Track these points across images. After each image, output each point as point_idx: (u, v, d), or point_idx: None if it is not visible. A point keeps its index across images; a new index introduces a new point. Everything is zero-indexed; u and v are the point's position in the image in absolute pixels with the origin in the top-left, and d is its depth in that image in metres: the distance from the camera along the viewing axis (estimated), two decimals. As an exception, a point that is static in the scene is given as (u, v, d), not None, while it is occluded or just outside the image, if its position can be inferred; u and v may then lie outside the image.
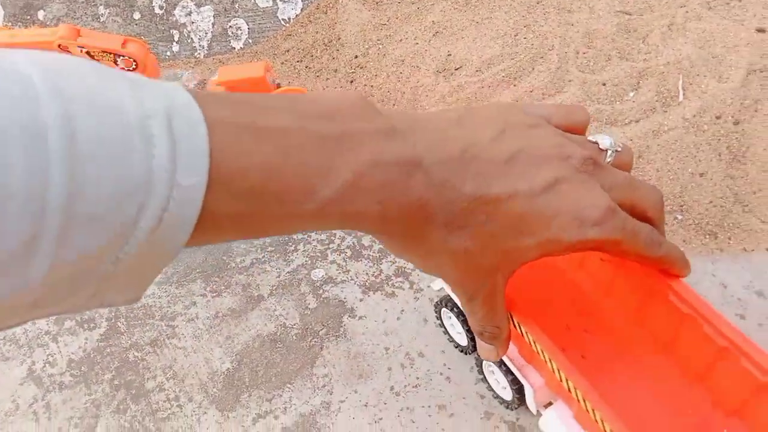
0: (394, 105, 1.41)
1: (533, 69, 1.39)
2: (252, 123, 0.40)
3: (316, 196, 0.44)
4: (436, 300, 1.12)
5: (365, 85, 1.52)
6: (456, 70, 1.42)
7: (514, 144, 0.56)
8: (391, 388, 1.08)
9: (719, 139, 1.29)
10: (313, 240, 1.31)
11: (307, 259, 1.28)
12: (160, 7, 1.75)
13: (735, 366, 0.78)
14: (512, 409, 1.03)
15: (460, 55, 1.44)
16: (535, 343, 0.81)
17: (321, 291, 1.23)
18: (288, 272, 1.26)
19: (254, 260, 1.29)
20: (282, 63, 1.69)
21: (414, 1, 1.65)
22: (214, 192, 0.38)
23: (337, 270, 1.26)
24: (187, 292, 1.24)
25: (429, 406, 1.05)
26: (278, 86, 1.36)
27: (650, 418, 0.84)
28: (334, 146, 0.44)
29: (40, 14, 1.77)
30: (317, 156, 0.43)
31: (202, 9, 1.75)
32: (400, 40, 1.54)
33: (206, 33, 1.78)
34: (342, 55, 1.62)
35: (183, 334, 1.18)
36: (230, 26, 1.75)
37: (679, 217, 1.25)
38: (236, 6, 1.75)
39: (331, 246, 1.30)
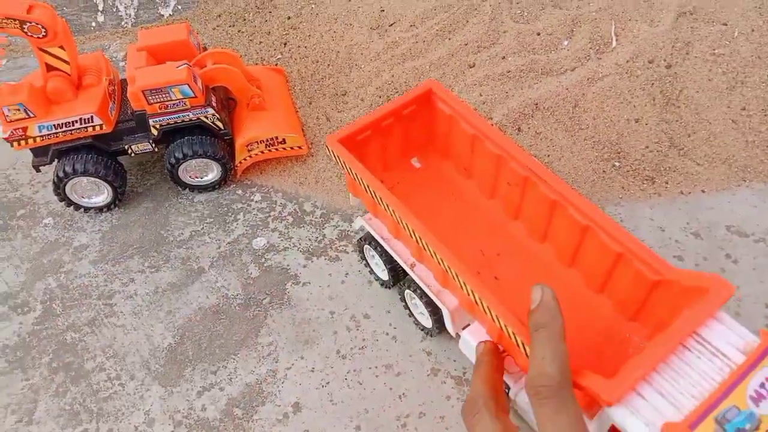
0: (329, 66, 1.38)
1: (467, 21, 1.37)
2: None
3: None
4: (357, 237, 1.13)
5: (299, 46, 1.48)
6: (390, 26, 1.39)
7: None
8: (338, 352, 1.07)
9: (653, 84, 1.30)
10: (254, 209, 1.28)
11: (248, 228, 1.26)
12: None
13: (630, 270, 0.84)
14: (433, 336, 1.08)
15: (393, 10, 1.41)
16: (448, 267, 0.84)
17: (263, 260, 1.21)
18: (228, 243, 1.24)
19: (193, 233, 1.26)
20: (214, 29, 1.63)
21: (346, -43, 1.60)
22: None
23: (279, 237, 1.24)
24: (125, 269, 1.21)
25: (376, 367, 1.05)
26: (205, 48, 1.31)
27: None
28: None
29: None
30: None
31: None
32: (333, -1, 1.50)
33: (132, 0, 1.70)
34: (274, 17, 1.57)
35: (122, 312, 1.15)
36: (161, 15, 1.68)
37: (617, 164, 1.26)
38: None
39: (272, 214, 1.28)
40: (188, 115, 1.19)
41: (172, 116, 1.19)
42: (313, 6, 1.52)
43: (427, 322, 1.05)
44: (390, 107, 1.03)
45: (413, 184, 1.10)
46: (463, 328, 0.91)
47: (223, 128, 1.24)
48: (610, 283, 0.91)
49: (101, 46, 1.67)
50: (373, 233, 1.05)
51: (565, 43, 1.34)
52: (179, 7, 1.70)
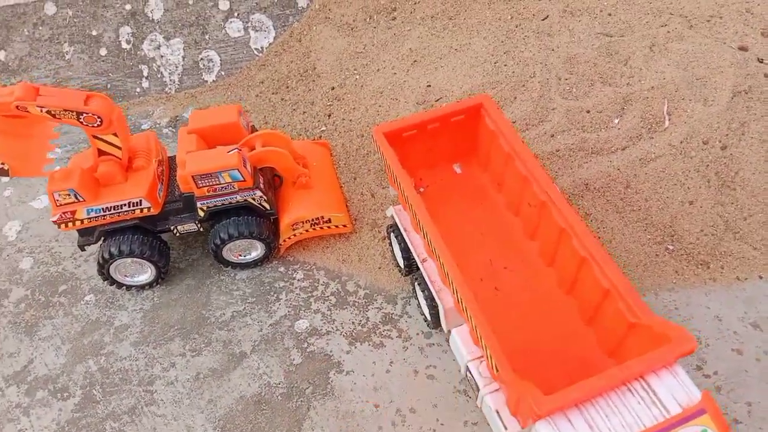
0: (374, 140, 1.36)
1: (515, 98, 1.35)
2: None
3: None
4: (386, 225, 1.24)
5: (343, 119, 1.47)
6: (436, 101, 1.38)
7: None
8: (384, 449, 1.03)
9: (707, 165, 1.25)
10: (296, 287, 1.26)
11: (290, 309, 1.23)
12: (128, 42, 1.68)
13: (614, 307, 0.89)
14: (431, 328, 1.15)
15: (439, 85, 1.40)
16: (442, 264, 0.91)
17: (305, 344, 1.18)
18: (270, 325, 1.21)
19: (235, 313, 1.24)
20: (256, 96, 1.63)
21: (390, 26, 1.60)
22: None
23: (321, 320, 1.21)
24: (166, 353, 1.19)
25: (423, 468, 1.01)
26: (253, 129, 1.31)
27: (544, 346, 0.97)
28: None
29: (1, 54, 1.70)
30: None
31: (171, 42, 1.69)
32: (378, 70, 1.49)
33: (177, 67, 1.71)
34: (318, 86, 1.57)
35: (162, 400, 1.12)
36: (201, 58, 1.69)
37: (670, 247, 1.21)
38: (207, 37, 1.69)
39: (314, 294, 1.25)
40: (236, 198, 1.19)
41: (220, 198, 1.18)
42: (357, 77, 1.51)
43: (428, 315, 1.13)
44: (439, 112, 1.12)
45: (450, 187, 1.19)
46: (455, 328, 0.99)
47: (269, 209, 1.23)
48: (597, 317, 0.96)
49: (145, 111, 1.68)
50: (398, 223, 1.14)
51: (616, 121, 1.31)
52: (222, 73, 1.71)
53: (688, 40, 1.40)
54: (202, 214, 1.20)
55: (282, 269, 1.30)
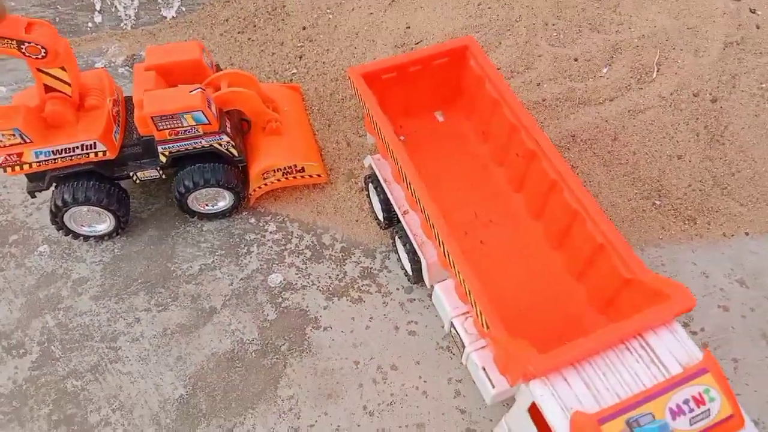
0: (350, 85, 1.28)
1: (500, 43, 1.28)
2: None
3: None
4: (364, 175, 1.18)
5: (316, 61, 1.38)
6: (416, 44, 1.30)
7: None
8: (364, 408, 0.99)
9: (697, 119, 1.22)
10: (268, 240, 1.19)
11: (262, 262, 1.16)
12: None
13: (607, 263, 0.87)
14: (412, 283, 1.11)
15: (419, 27, 1.31)
16: (428, 217, 0.88)
17: (280, 299, 1.12)
18: (242, 279, 1.15)
19: (203, 266, 1.16)
20: (221, 34, 1.51)
21: (366, -37, 1.49)
22: None
23: (296, 274, 1.15)
24: (129, 307, 1.11)
25: (406, 426, 0.98)
26: (218, 68, 1.21)
27: (530, 302, 0.94)
28: None
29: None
30: None
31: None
32: (353, 9, 1.40)
33: (132, 0, 1.57)
34: (288, 26, 1.47)
35: (128, 357, 1.05)
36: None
37: (657, 202, 1.19)
38: None
39: (288, 247, 1.18)
40: (200, 142, 1.10)
41: (183, 143, 1.09)
42: (330, 16, 1.41)
43: (409, 269, 1.09)
44: (420, 54, 1.05)
45: (432, 136, 1.13)
46: (438, 283, 0.96)
47: (237, 155, 1.14)
48: (588, 272, 0.94)
49: (98, 49, 1.54)
50: (378, 173, 1.08)
51: (605, 70, 1.26)
52: (183, 8, 1.58)
53: (679, -13, 1.35)
54: (164, 159, 1.10)
55: (252, 221, 1.22)
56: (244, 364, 1.04)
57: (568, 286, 0.97)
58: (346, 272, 1.15)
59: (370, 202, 1.19)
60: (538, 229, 1.02)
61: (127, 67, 1.49)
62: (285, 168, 1.17)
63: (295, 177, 1.19)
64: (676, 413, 0.69)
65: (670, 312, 0.76)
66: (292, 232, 1.20)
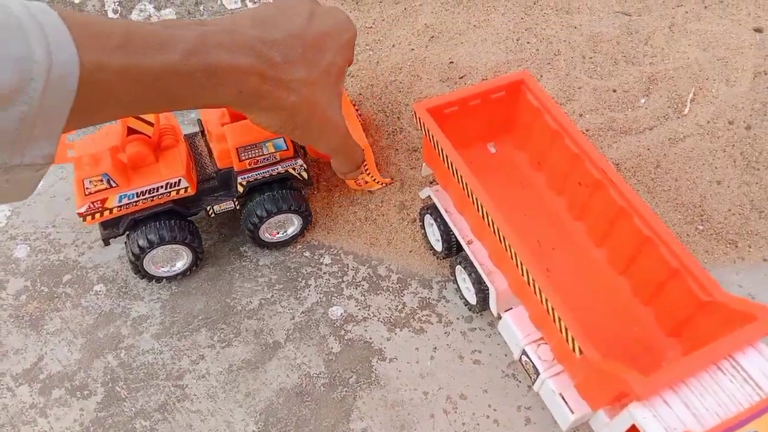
0: (398, 119, 1.31)
1: (541, 76, 1.33)
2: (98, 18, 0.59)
3: (177, 46, 0.64)
4: (421, 206, 1.21)
5: (359, 94, 1.41)
6: (460, 78, 1.34)
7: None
8: (438, 438, 1.00)
9: (733, 145, 1.27)
10: (324, 273, 1.20)
11: (321, 295, 1.17)
12: (114, 11, 1.55)
13: (682, 286, 0.89)
14: (476, 313, 1.13)
15: (462, 62, 1.35)
16: (508, 246, 0.89)
17: (342, 332, 1.13)
18: (302, 312, 1.15)
19: (262, 301, 1.17)
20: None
21: (398, 1, 1.54)
22: (86, 49, 0.54)
23: (356, 306, 1.16)
24: (192, 344, 1.11)
25: (482, 455, 0.98)
26: None
27: (599, 327, 0.96)
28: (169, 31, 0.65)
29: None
30: (162, 31, 0.65)
31: (162, 12, 1.56)
32: (393, 46, 1.43)
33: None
34: (326, 62, 1.49)
35: (195, 395, 1.05)
36: (195, 31, 1.58)
37: (700, 227, 1.22)
38: (201, 8, 1.58)
39: (345, 279, 1.20)
40: (277, 169, 1.12)
41: (261, 171, 1.11)
42: (370, 53, 1.45)
43: (472, 298, 1.09)
44: (480, 88, 1.08)
45: (485, 167, 1.16)
46: (506, 311, 0.98)
47: (307, 178, 1.17)
48: (658, 296, 0.95)
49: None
50: (438, 204, 1.11)
51: (642, 101, 1.31)
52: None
53: (705, 20, 1.42)
54: (240, 189, 1.12)
55: (307, 254, 1.23)
56: (314, 398, 1.04)
57: (635, 310, 1.00)
58: (405, 303, 1.16)
59: (425, 233, 1.21)
60: (602, 255, 1.05)
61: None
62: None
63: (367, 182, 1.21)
64: None
65: (758, 332, 0.78)
66: (347, 264, 1.22)
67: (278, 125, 0.82)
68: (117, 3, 1.55)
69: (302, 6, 0.86)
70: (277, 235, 1.20)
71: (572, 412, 0.88)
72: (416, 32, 1.44)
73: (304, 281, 1.19)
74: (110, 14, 1.55)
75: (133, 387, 1.06)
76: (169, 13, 1.57)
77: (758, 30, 1.40)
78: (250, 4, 1.60)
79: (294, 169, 1.13)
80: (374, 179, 1.20)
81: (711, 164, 1.26)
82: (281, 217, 1.16)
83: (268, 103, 0.78)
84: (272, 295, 1.17)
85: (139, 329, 1.13)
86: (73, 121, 0.57)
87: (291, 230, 1.21)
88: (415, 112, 1.04)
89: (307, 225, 1.21)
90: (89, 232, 1.26)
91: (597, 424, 0.88)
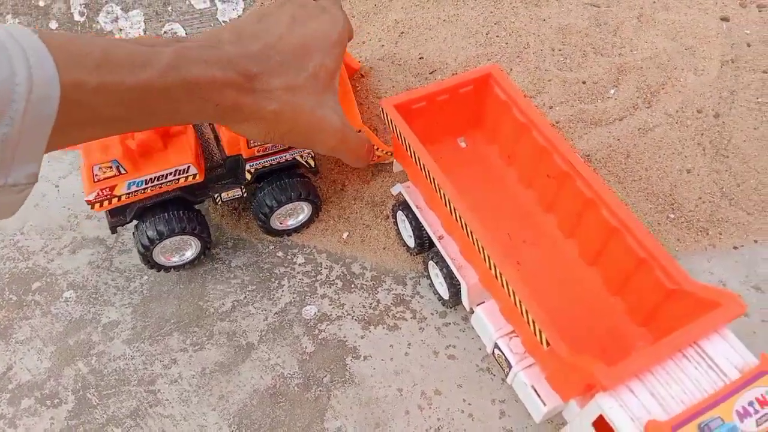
0: (368, 111, 1.30)
1: (511, 70, 1.33)
2: (76, 38, 0.59)
3: (155, 62, 0.64)
4: (393, 203, 1.21)
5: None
6: (430, 73, 1.33)
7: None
8: (413, 435, 1.00)
9: (702, 134, 1.28)
10: (298, 273, 1.20)
11: (295, 295, 1.17)
12: (81, 14, 1.53)
13: (649, 276, 0.90)
14: (449, 308, 1.13)
15: (432, 57, 1.35)
16: (476, 240, 0.89)
17: (316, 331, 1.12)
18: (276, 313, 1.14)
19: (235, 303, 1.16)
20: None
21: (368, -3, 1.53)
22: (66, 69, 0.54)
23: (330, 305, 1.15)
24: (165, 349, 1.10)
25: (457, 450, 0.98)
26: None
27: (570, 319, 0.97)
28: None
29: (-69, 27, 1.51)
30: (140, 48, 0.64)
31: (130, 14, 1.55)
32: (363, 42, 1.43)
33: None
34: (297, 61, 1.48)
35: (168, 400, 1.04)
36: (165, 32, 1.56)
37: (672, 216, 1.23)
38: (169, 9, 1.56)
39: (318, 278, 1.19)
40: (285, 156, 1.13)
41: (269, 158, 1.11)
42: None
43: (445, 293, 1.10)
44: (448, 84, 1.08)
45: (455, 162, 1.15)
46: (478, 305, 0.98)
47: (314, 166, 1.18)
48: (627, 286, 0.96)
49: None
50: (409, 201, 1.10)
51: (612, 91, 1.31)
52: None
53: (673, 10, 1.42)
54: (249, 177, 1.12)
55: (280, 254, 1.22)
56: (288, 398, 1.04)
57: (605, 300, 1.00)
58: (379, 300, 1.16)
59: (398, 230, 1.20)
60: (573, 247, 1.05)
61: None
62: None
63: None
64: (742, 415, 0.71)
65: (723, 318, 0.79)
66: (321, 263, 1.21)
67: (262, 134, 0.83)
68: (83, 5, 1.53)
69: (283, 14, 0.86)
70: (289, 223, 1.21)
71: (545, 404, 0.88)
72: (386, 28, 1.43)
73: (277, 281, 1.18)
74: (77, 17, 1.53)
75: (105, 394, 1.04)
76: (136, 14, 1.55)
77: (725, 19, 1.41)
78: (219, 4, 1.59)
79: (302, 156, 1.14)
80: (384, 152, 1.20)
81: (680, 153, 1.26)
82: (291, 205, 1.17)
83: (246, 114, 0.79)
84: (245, 297, 1.16)
85: (110, 335, 1.11)
86: (54, 141, 0.57)
87: (302, 217, 1.22)
88: (382, 109, 1.04)
89: (317, 212, 1.22)
90: (58, 239, 1.24)
91: (569, 415, 0.88)
